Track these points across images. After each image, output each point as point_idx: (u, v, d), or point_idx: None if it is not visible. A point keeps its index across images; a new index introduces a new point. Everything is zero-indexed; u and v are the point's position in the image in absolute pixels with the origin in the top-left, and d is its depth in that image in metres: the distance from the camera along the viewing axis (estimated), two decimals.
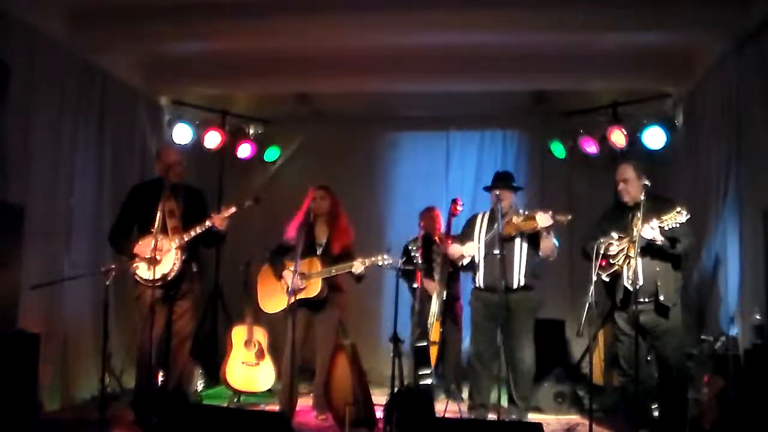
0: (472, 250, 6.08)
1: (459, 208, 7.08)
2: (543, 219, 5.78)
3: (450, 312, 7.11)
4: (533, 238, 5.98)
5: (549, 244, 5.92)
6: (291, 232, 6.25)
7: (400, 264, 6.32)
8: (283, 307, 6.13)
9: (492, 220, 6.03)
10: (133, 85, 7.53)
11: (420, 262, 6.50)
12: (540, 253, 6.01)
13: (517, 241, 6.00)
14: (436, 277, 7.03)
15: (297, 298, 6.04)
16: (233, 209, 5.86)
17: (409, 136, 9.10)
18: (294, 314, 5.92)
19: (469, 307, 6.32)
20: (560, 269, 8.18)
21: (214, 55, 7.29)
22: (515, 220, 5.92)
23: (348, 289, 6.39)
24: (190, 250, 5.88)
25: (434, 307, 6.92)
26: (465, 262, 6.15)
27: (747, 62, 6.03)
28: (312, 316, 6.27)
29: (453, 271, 6.99)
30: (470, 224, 6.29)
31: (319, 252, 6.26)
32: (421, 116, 8.84)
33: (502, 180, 6.19)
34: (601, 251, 5.43)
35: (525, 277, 6.00)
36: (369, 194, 8.94)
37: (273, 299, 6.28)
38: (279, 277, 6.26)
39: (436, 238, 7.26)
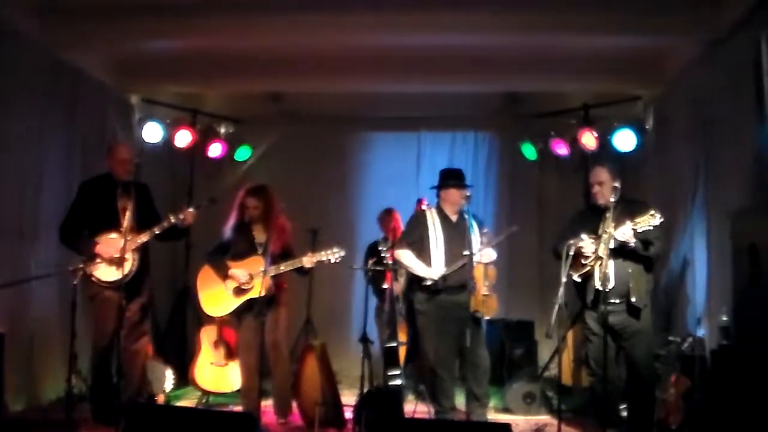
0: (436, 272, 5.95)
1: (425, 208, 6.91)
2: (488, 256, 5.92)
3: (413, 313, 7.01)
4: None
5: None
6: (227, 231, 6.16)
7: (370, 264, 6.36)
8: (230, 310, 6.04)
9: (447, 224, 6.05)
10: (103, 83, 7.40)
11: (390, 262, 6.41)
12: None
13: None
14: (400, 279, 6.96)
15: (244, 298, 5.97)
16: (190, 210, 5.86)
17: (380, 136, 9.06)
18: (262, 315, 5.80)
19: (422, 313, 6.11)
20: (530, 269, 8.21)
21: (186, 53, 7.19)
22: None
23: (316, 290, 6.34)
24: (144, 249, 5.86)
25: (402, 308, 6.87)
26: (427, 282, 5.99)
27: (717, 66, 6.04)
28: (262, 318, 6.05)
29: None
30: (419, 224, 6.16)
31: (260, 252, 6.07)
32: (393, 117, 8.81)
33: (455, 177, 6.15)
34: (572, 252, 5.40)
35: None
36: (340, 195, 8.88)
37: (217, 301, 6.10)
38: (223, 277, 6.06)
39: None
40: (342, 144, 9.04)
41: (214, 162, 8.86)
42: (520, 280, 8.29)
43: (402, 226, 6.80)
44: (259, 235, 6.14)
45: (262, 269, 5.82)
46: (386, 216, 7.49)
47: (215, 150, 8.74)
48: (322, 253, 5.92)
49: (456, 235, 5.91)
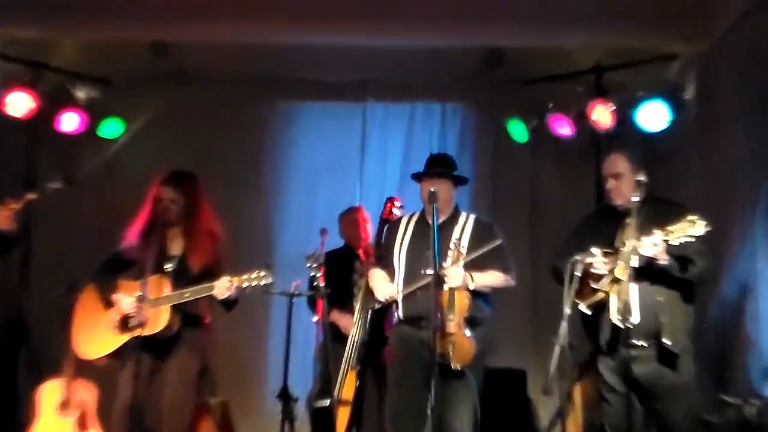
0: (384, 292, 6.14)
1: (397, 211, 7.10)
2: (453, 276, 5.82)
3: (373, 359, 6.99)
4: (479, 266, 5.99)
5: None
6: (132, 237, 6.02)
7: (294, 288, 6.33)
8: (111, 350, 5.87)
9: (420, 231, 6.09)
10: None
11: (321, 285, 6.35)
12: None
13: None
14: (356, 306, 6.98)
15: (136, 335, 5.74)
16: (23, 201, 5.82)
17: (309, 108, 9.05)
18: (134, 360, 5.67)
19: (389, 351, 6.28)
20: (520, 297, 8.13)
21: None
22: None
23: (217, 324, 6.25)
24: None
25: (350, 351, 6.90)
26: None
27: None
28: (159, 363, 5.94)
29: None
30: (391, 233, 6.38)
31: (169, 268, 5.97)
32: (328, 81, 8.83)
33: (439, 165, 6.21)
34: (579, 272, 5.31)
35: (473, 310, 5.94)
36: (253, 189, 8.87)
37: (95, 337, 6.00)
38: (107, 303, 5.95)
39: (361, 251, 7.32)
40: (255, 117, 8.99)
41: (67, 139, 8.67)
42: (507, 313, 8.08)
43: (369, 230, 7.35)
44: (175, 244, 6.09)
45: (140, 294, 5.73)
46: (349, 217, 7.63)
47: (70, 122, 8.52)
48: (244, 277, 5.81)
49: (425, 246, 5.89)
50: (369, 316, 6.87)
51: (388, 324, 7.21)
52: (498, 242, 6.06)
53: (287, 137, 9.04)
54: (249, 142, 8.98)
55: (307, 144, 9.01)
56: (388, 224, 6.59)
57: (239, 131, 8.92)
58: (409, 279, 6.01)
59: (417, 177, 6.21)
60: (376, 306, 6.14)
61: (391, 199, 7.19)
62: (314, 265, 6.61)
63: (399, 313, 6.10)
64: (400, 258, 6.15)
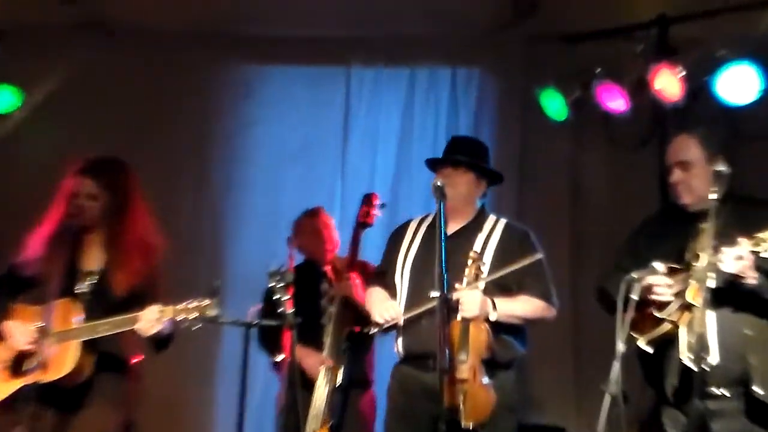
0: (394, 309, 6.12)
1: (375, 211, 7.22)
2: (469, 301, 5.81)
3: (352, 409, 7.10)
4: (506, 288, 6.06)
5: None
6: (34, 245, 5.95)
7: (256, 317, 6.55)
8: (3, 398, 5.79)
9: (433, 239, 5.97)
10: None
11: (290, 312, 6.18)
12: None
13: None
14: (326, 341, 7.04)
15: (33, 381, 5.69)
16: None
17: (275, 73, 9.22)
18: (29, 414, 5.59)
19: (386, 397, 6.35)
20: (556, 330, 8.12)
21: None
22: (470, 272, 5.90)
23: (148, 367, 6.20)
24: None
25: (321, 398, 6.97)
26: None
27: None
28: (64, 420, 5.88)
29: (362, 333, 6.89)
30: (395, 242, 6.44)
31: (83, 289, 5.91)
32: (300, 37, 8.91)
33: (460, 152, 6.28)
34: (636, 295, 5.28)
35: (495, 348, 5.94)
36: (199, 181, 8.99)
37: None
38: None
39: (327, 267, 7.39)
40: (201, 86, 9.12)
41: None
42: (540, 351, 8.13)
43: (335, 239, 7.48)
44: (93, 256, 6.03)
45: (41, 325, 5.69)
46: (307, 224, 7.67)
47: None
48: (180, 307, 5.77)
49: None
50: (346, 353, 6.95)
51: (370, 364, 7.36)
52: (537, 257, 6.08)
53: (246, 112, 9.15)
54: (194, 119, 9.06)
55: (273, 121, 9.11)
56: (395, 228, 6.62)
57: (180, 104, 9.00)
58: (413, 302, 6.04)
59: (431, 165, 6.33)
60: (373, 331, 6.12)
61: (368, 198, 7.24)
62: (280, 285, 6.56)
63: (399, 347, 6.15)
64: (403, 274, 6.22)
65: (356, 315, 6.78)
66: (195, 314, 5.75)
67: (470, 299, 5.80)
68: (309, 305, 7.12)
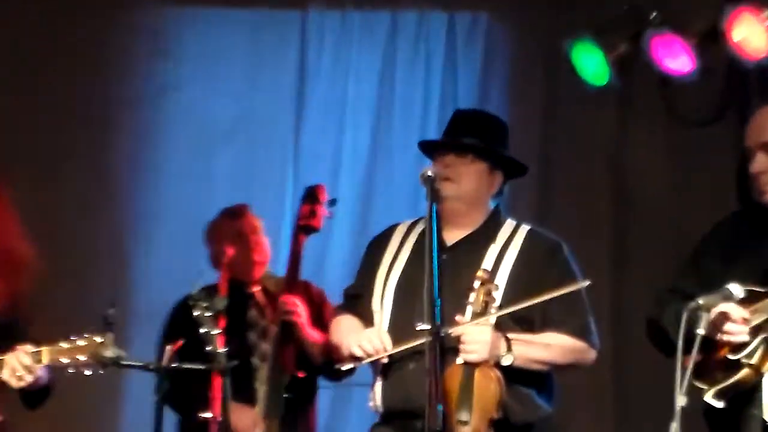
0: (377, 338, 5.97)
1: (324, 209, 7.31)
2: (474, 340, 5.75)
3: None
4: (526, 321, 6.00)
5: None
6: None
7: (175, 359, 6.24)
8: None
9: (424, 247, 5.84)
10: None
11: (222, 351, 6.29)
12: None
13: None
14: (260, 392, 7.06)
15: None
16: None
17: (204, 18, 9.20)
18: None
19: None
20: (596, 383, 8.22)
21: None
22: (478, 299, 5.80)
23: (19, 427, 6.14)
24: None
25: None
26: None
27: None
28: None
29: (308, 375, 7.08)
30: (374, 255, 6.40)
31: None
32: None
33: (465, 130, 6.17)
34: (703, 329, 5.17)
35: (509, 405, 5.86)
36: (91, 169, 8.88)
37: None
38: None
39: (256, 289, 7.50)
40: (100, 34, 9.07)
41: None
42: (572, 407, 8.12)
43: (267, 249, 7.53)
44: None
45: None
46: (226, 228, 7.68)
47: None
48: (63, 346, 5.70)
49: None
50: (280, 406, 6.96)
51: (311, 419, 7.41)
52: (582, 284, 6.01)
53: (161, 73, 9.12)
54: (89, 81, 9.00)
55: (199, 85, 9.09)
56: (376, 236, 6.57)
57: (72, 62, 8.96)
58: (397, 337, 5.91)
59: (426, 149, 6.35)
60: (347, 367, 6.06)
61: (312, 192, 7.25)
62: (206, 314, 6.53)
63: (377, 399, 6.06)
64: (384, 299, 6.15)
65: (299, 355, 6.85)
66: (83, 356, 5.65)
67: (476, 337, 5.73)
68: (233, 341, 6.93)
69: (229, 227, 7.52)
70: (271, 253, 7.46)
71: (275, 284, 7.25)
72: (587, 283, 5.89)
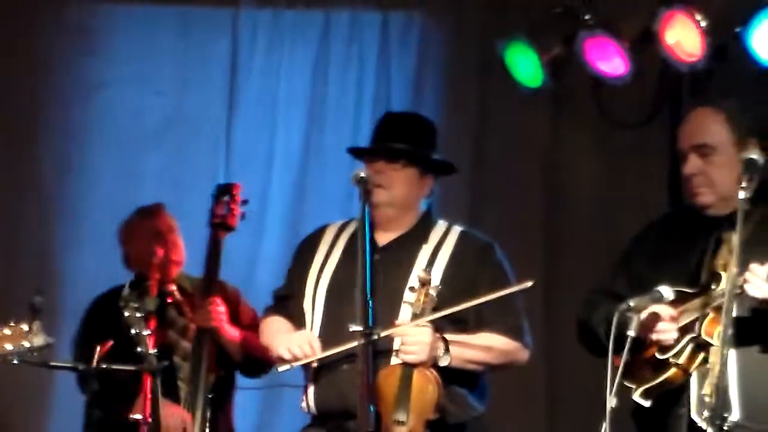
0: (306, 340, 6.04)
1: (238, 208, 7.41)
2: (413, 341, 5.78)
3: None
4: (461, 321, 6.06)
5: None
6: None
7: (97, 358, 6.26)
8: None
9: (356, 247, 5.97)
10: None
11: (153, 352, 6.45)
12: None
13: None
14: (182, 391, 7.22)
15: None
16: None
17: (132, 14, 9.18)
18: None
19: None
20: (528, 384, 8.29)
21: None
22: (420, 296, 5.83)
23: None
24: None
25: None
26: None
27: None
28: None
29: (227, 373, 7.11)
30: (305, 256, 6.46)
31: None
32: None
33: (395, 135, 6.22)
34: (633, 331, 5.17)
35: (445, 402, 5.92)
36: (17, 168, 8.92)
37: None
38: None
39: (172, 287, 7.51)
40: (23, 28, 9.07)
41: None
42: (504, 407, 8.06)
43: (182, 248, 7.50)
44: None
45: None
46: (140, 227, 7.69)
47: None
48: None
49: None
50: (203, 405, 6.96)
51: (229, 416, 7.43)
52: (526, 285, 6.02)
53: (89, 70, 9.08)
54: (17, 81, 8.99)
55: (128, 83, 9.07)
56: (305, 238, 6.62)
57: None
58: (329, 339, 5.97)
59: (356, 153, 6.44)
60: (282, 368, 6.09)
61: (225, 190, 7.26)
62: (136, 315, 6.59)
63: (309, 400, 6.10)
64: (315, 300, 6.19)
65: (219, 354, 6.85)
66: (11, 345, 5.56)
67: (417, 338, 5.76)
68: (162, 344, 7.06)
69: (147, 227, 7.51)
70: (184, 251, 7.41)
71: (191, 284, 7.27)
72: (530, 284, 5.92)
